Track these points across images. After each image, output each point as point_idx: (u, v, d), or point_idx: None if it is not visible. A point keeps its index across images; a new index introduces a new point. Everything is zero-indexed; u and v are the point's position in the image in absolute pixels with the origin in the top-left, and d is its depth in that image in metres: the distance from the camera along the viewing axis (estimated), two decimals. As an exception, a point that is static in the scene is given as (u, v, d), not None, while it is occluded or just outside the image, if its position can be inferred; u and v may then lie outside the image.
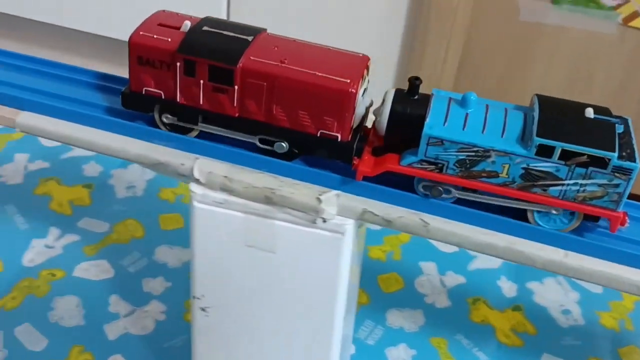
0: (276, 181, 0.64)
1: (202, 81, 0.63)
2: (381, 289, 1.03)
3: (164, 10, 0.69)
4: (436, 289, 1.04)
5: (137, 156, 0.66)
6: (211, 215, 0.66)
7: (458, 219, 0.63)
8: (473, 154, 0.59)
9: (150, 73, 0.64)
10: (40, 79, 0.72)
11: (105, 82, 0.73)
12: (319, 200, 0.63)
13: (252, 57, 0.62)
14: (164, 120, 0.67)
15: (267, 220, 0.65)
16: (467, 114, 0.61)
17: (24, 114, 0.69)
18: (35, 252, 1.02)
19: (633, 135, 0.60)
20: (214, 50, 0.62)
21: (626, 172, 0.58)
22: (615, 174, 0.58)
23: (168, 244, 1.05)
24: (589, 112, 0.60)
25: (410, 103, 0.62)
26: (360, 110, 0.64)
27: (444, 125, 0.60)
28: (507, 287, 1.06)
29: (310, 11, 1.19)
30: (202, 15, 0.67)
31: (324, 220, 0.63)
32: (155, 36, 0.64)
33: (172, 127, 0.67)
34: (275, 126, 0.64)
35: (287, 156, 0.66)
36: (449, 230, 0.62)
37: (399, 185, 0.64)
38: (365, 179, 0.64)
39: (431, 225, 0.63)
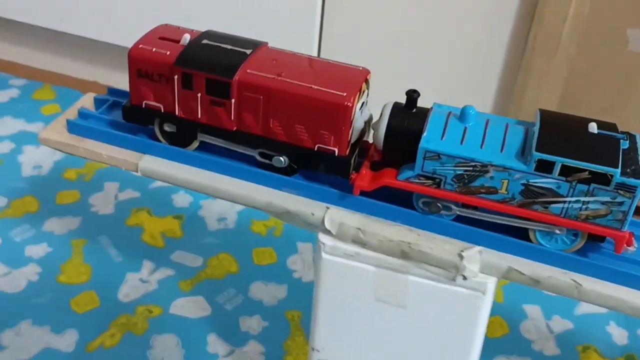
0: (413, 235, 0.61)
1: (199, 94, 0.62)
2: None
3: (167, 24, 0.67)
4: (543, 335, 0.99)
5: (265, 204, 0.64)
6: (340, 267, 0.63)
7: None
8: (471, 169, 0.57)
9: (149, 86, 0.64)
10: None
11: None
12: (461, 256, 0.59)
13: (248, 70, 0.61)
14: (166, 129, 0.66)
15: (401, 275, 0.62)
16: (465, 127, 0.59)
17: (147, 158, 0.67)
18: (131, 287, 1.00)
19: None
20: (211, 64, 0.61)
21: (630, 190, 0.55)
22: (619, 191, 0.55)
23: (263, 279, 1.03)
24: (593, 127, 0.57)
25: (407, 117, 0.60)
26: (358, 124, 0.62)
27: (441, 139, 0.58)
28: (618, 334, 1.00)
29: (401, 42, 1.16)
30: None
31: (465, 278, 0.59)
32: (154, 49, 0.63)
33: (172, 139, 0.66)
34: (273, 140, 0.63)
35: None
36: (604, 293, 0.58)
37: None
38: (363, 193, 0.62)
39: (584, 287, 0.58)
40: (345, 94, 0.59)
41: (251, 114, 0.62)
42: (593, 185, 0.55)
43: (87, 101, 0.73)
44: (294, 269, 1.05)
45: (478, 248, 0.60)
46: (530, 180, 0.56)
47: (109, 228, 1.10)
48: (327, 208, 0.63)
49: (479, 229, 0.61)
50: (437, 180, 0.59)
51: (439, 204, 0.60)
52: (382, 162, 0.62)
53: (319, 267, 0.64)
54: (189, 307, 0.98)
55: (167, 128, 0.66)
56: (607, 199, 0.56)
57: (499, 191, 0.58)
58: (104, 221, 1.11)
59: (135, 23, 1.26)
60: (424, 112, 0.60)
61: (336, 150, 0.61)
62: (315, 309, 0.68)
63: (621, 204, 0.55)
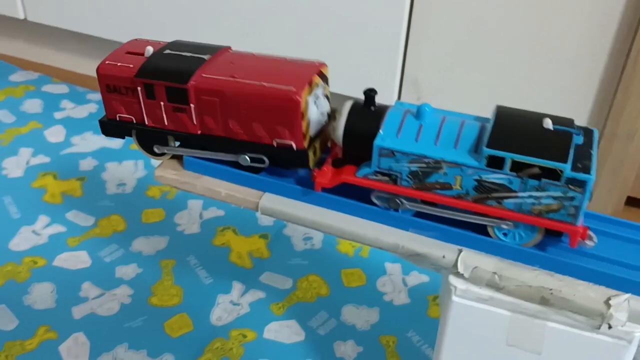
0: (554, 280, 0.58)
1: (162, 103, 0.65)
2: None
3: (136, 39, 0.70)
4: (397, 288, 1.03)
5: (392, 246, 0.62)
6: (471, 311, 0.61)
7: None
8: (425, 165, 0.58)
9: (119, 100, 0.67)
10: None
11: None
12: (609, 305, 0.56)
13: (204, 75, 0.63)
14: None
15: (538, 321, 0.59)
16: (421, 125, 0.60)
17: (267, 197, 0.66)
18: (222, 309, 0.99)
19: (595, 147, 0.57)
20: (168, 72, 0.63)
21: (581, 185, 0.55)
22: (570, 186, 0.55)
23: (354, 303, 1.01)
24: (547, 123, 0.57)
25: (365, 115, 0.61)
26: (315, 117, 0.63)
27: (397, 136, 0.59)
28: None
29: (492, 57, 1.13)
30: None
31: (610, 327, 0.57)
32: (119, 64, 0.65)
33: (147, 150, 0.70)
34: (235, 140, 0.65)
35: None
36: None
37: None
38: (326, 190, 0.63)
39: None
40: (293, 88, 0.60)
41: (211, 117, 0.65)
42: (544, 180, 0.56)
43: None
44: (384, 291, 1.03)
45: (626, 296, 0.57)
46: (483, 176, 0.57)
47: (196, 248, 1.09)
48: (460, 251, 0.61)
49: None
50: (393, 176, 0.60)
51: (397, 200, 0.62)
52: (344, 160, 0.64)
53: (449, 309, 0.62)
54: (283, 332, 0.96)
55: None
56: (559, 194, 0.56)
57: (453, 187, 0.59)
58: (190, 241, 1.10)
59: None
60: (383, 110, 0.61)
61: (293, 144, 0.63)
62: (439, 347, 0.66)
63: (573, 198, 0.56)
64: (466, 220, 0.61)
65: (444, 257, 0.60)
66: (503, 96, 1.15)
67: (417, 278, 1.05)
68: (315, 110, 0.64)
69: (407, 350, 0.94)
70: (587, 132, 0.58)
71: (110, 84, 0.66)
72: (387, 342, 0.96)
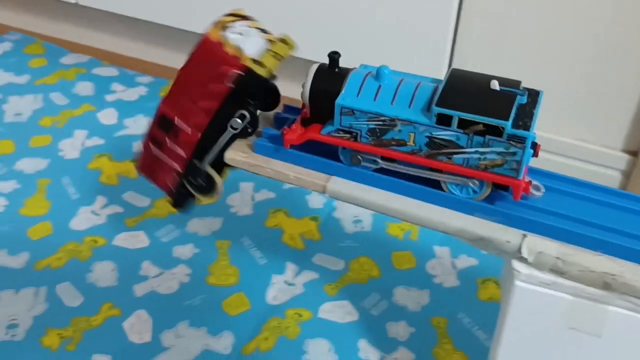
0: (616, 265, 0.60)
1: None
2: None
3: None
4: (446, 270, 1.05)
5: (458, 230, 0.64)
6: (533, 295, 0.63)
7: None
8: (381, 122, 0.63)
9: None
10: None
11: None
12: (671, 291, 0.58)
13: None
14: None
15: (599, 305, 0.61)
16: (380, 86, 0.64)
17: (334, 180, 0.68)
18: (278, 289, 1.02)
19: (538, 107, 0.61)
20: None
21: (521, 141, 0.59)
22: (511, 142, 0.59)
23: (404, 284, 1.03)
24: (494, 84, 0.60)
25: (329, 77, 0.66)
26: (246, 44, 0.68)
27: (357, 96, 0.64)
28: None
29: (535, 62, 1.14)
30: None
31: (672, 312, 0.58)
32: None
33: None
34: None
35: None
36: None
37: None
38: (294, 147, 0.68)
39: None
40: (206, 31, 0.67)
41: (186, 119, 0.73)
42: (488, 137, 0.60)
43: (266, 120, 0.74)
44: (434, 273, 1.05)
45: (689, 283, 0.58)
46: (433, 133, 0.62)
47: (249, 229, 1.12)
48: (524, 236, 0.62)
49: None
50: (354, 134, 0.65)
51: (359, 156, 0.66)
52: (311, 119, 0.68)
53: (511, 293, 0.64)
54: (337, 312, 0.99)
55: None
56: (502, 149, 0.60)
57: (407, 143, 0.63)
58: (244, 222, 1.13)
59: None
60: (346, 73, 0.66)
61: (240, 72, 0.67)
62: (499, 331, 0.68)
63: (514, 154, 0.60)
64: (424, 176, 0.66)
65: (508, 242, 0.62)
66: (554, 95, 1.16)
67: (466, 261, 1.07)
68: (240, 37, 0.68)
69: (458, 331, 0.97)
70: (532, 93, 0.63)
71: None
72: (438, 324, 0.98)
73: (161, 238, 1.10)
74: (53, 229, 1.10)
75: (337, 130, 0.66)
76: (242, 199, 1.18)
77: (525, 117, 0.60)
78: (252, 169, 0.70)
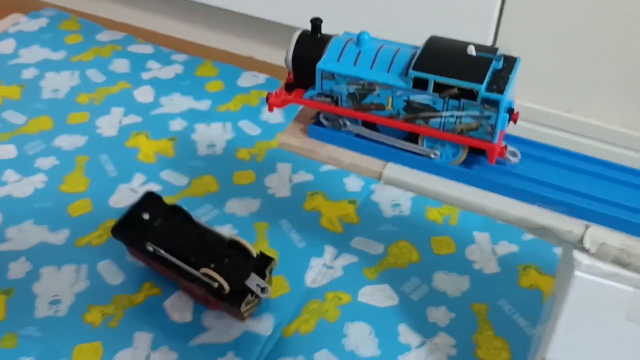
0: (682, 259, 0.59)
1: None
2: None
3: None
4: (486, 257, 1.04)
5: (518, 219, 0.63)
6: (593, 286, 0.62)
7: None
8: (361, 87, 0.64)
9: None
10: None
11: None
12: None
13: None
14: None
15: (662, 297, 0.60)
16: (360, 51, 0.65)
17: (391, 167, 0.67)
18: (317, 273, 1.02)
19: (514, 73, 0.61)
20: None
21: (494, 104, 0.59)
22: (485, 105, 0.60)
23: (444, 270, 1.03)
24: (471, 50, 0.61)
25: (311, 43, 0.67)
26: None
27: (337, 61, 0.65)
28: None
29: (589, 26, 1.11)
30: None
31: None
32: None
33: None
34: None
35: None
36: None
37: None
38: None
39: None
40: None
41: None
42: (463, 100, 0.61)
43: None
44: (474, 259, 1.05)
45: None
46: (410, 97, 0.63)
47: (287, 212, 1.12)
48: (587, 226, 0.61)
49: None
50: (335, 98, 0.67)
51: (340, 121, 0.69)
52: (295, 84, 0.70)
53: (570, 284, 0.63)
54: (377, 295, 0.99)
55: None
56: (476, 113, 0.61)
57: (386, 107, 0.65)
58: (282, 204, 1.13)
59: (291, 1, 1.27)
60: (328, 39, 0.67)
61: None
62: (554, 320, 0.67)
63: (489, 117, 0.60)
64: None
65: (570, 232, 0.61)
66: (598, 66, 1.14)
67: (506, 247, 1.06)
68: None
69: (499, 318, 0.96)
70: (510, 60, 0.63)
71: None
72: (478, 310, 0.97)
73: (200, 217, 1.10)
74: (93, 205, 1.11)
75: (319, 94, 0.67)
76: (279, 181, 1.17)
77: (500, 82, 0.60)
78: (306, 153, 0.70)
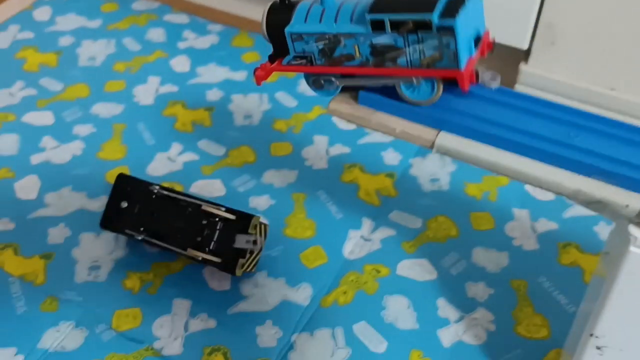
0: None
1: None
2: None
3: None
4: (526, 234, 1.03)
5: (574, 192, 0.62)
6: (648, 261, 0.61)
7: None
8: (327, 41, 0.66)
9: None
10: (462, 99, 0.68)
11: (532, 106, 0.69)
12: None
13: None
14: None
15: None
16: (323, 9, 0.67)
17: (443, 135, 0.66)
18: (354, 244, 1.02)
19: (466, 3, 0.61)
20: None
21: (449, 30, 0.60)
22: (441, 33, 0.60)
23: (483, 245, 1.02)
24: None
25: (281, 10, 0.69)
26: None
27: (304, 22, 0.67)
28: (604, 233, 1.00)
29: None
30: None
31: None
32: None
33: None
34: None
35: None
36: None
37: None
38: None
39: None
40: None
41: None
42: (420, 33, 0.62)
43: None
44: (513, 236, 1.03)
45: None
46: (373, 41, 0.64)
47: (325, 183, 1.11)
48: (644, 200, 0.60)
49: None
50: (309, 57, 0.68)
51: (321, 80, 0.70)
52: (274, 54, 0.72)
53: (623, 260, 0.62)
54: (415, 269, 0.98)
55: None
56: (435, 42, 0.61)
57: (355, 56, 0.66)
58: (319, 176, 1.12)
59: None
60: (296, 4, 0.69)
61: None
62: (604, 296, 0.66)
63: (448, 45, 0.61)
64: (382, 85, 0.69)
65: (627, 206, 0.60)
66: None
67: (546, 225, 1.05)
68: None
69: (539, 295, 0.95)
70: None
71: None
72: (517, 286, 0.96)
73: (237, 187, 1.10)
74: (131, 173, 1.11)
75: (294, 57, 0.69)
76: (316, 153, 1.17)
77: (453, 9, 0.61)
78: (356, 120, 0.69)
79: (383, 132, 0.68)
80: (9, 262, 0.97)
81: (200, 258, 0.90)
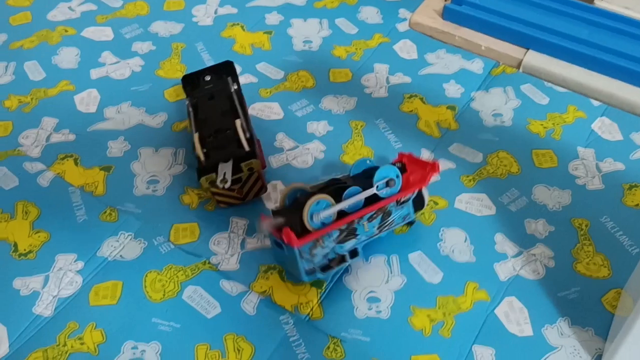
0: None
1: None
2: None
3: None
4: (590, 173, 1.00)
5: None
6: None
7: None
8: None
9: None
10: (551, 17, 0.65)
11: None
12: None
13: None
14: None
15: None
16: None
17: (532, 54, 0.63)
18: (413, 175, 1.00)
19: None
20: None
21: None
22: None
23: (545, 183, 0.99)
24: None
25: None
26: None
27: None
28: None
29: None
30: None
31: None
32: None
33: None
34: None
35: None
36: None
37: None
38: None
39: None
40: None
41: None
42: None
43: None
44: (577, 175, 1.01)
45: None
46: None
47: (384, 112, 1.09)
48: None
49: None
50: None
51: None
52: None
53: None
54: (473, 203, 0.97)
55: None
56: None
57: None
58: (378, 104, 1.10)
59: None
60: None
61: None
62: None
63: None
64: None
65: None
66: None
67: (611, 165, 1.02)
68: None
69: (601, 235, 0.93)
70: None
71: None
72: (579, 225, 0.94)
73: (295, 112, 1.09)
74: (189, 93, 1.10)
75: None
76: (377, 81, 1.14)
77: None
78: (439, 36, 0.66)
79: (467, 49, 0.66)
80: (69, 172, 0.98)
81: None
